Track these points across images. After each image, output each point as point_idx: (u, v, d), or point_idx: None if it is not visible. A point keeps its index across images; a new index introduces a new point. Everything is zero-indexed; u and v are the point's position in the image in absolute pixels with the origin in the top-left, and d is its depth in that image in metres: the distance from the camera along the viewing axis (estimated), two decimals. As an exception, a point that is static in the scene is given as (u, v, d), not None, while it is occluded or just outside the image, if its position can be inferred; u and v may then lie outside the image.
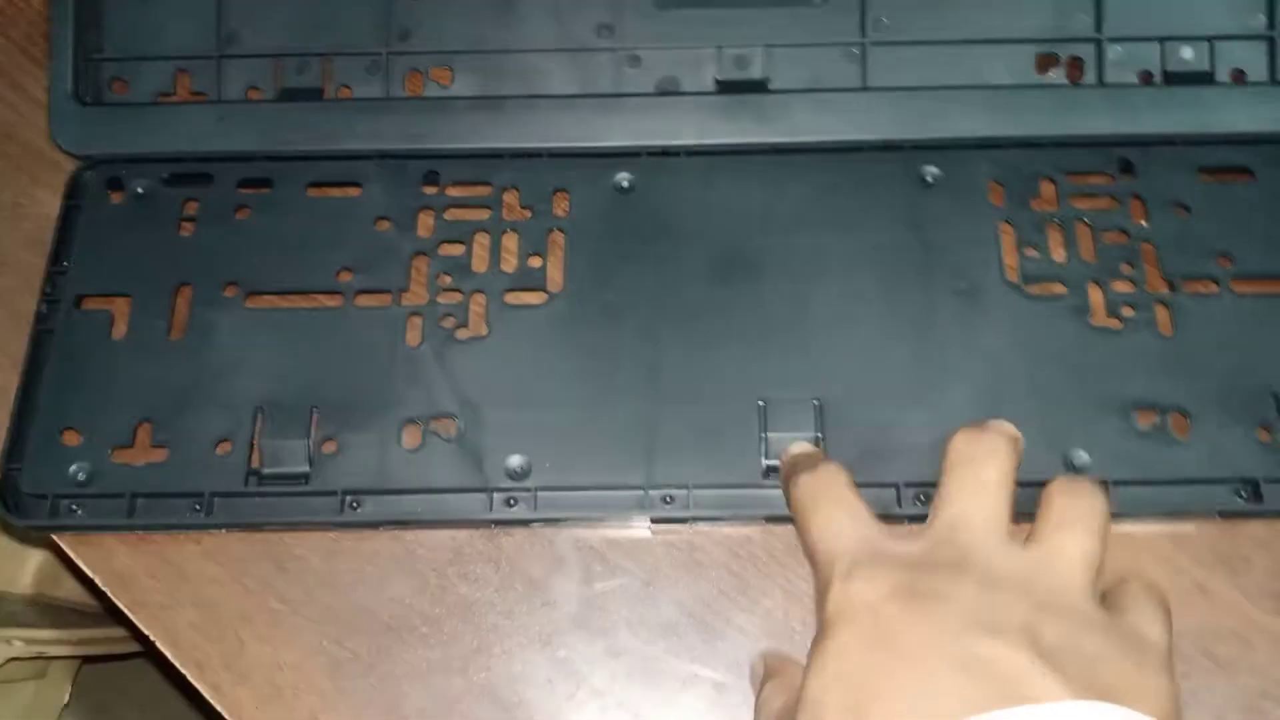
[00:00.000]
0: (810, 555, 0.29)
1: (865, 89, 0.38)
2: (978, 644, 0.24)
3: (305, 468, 0.34)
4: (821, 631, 0.26)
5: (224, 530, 0.34)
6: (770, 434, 0.33)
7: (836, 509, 0.29)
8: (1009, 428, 0.29)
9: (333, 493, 0.34)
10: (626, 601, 0.34)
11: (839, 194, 0.37)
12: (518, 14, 0.39)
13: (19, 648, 0.57)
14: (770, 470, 0.33)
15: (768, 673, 0.30)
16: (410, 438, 0.35)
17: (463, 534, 0.35)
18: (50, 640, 0.60)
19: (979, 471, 0.28)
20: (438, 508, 0.34)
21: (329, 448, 0.34)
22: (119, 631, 0.63)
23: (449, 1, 0.39)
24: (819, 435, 0.33)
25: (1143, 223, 0.36)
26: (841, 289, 0.36)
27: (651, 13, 0.39)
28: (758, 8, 0.39)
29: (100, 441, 0.35)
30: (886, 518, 0.29)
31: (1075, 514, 0.27)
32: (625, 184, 0.38)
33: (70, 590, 0.63)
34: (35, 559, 0.61)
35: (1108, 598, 0.27)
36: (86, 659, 0.67)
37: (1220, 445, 0.33)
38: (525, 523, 0.34)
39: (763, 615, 0.33)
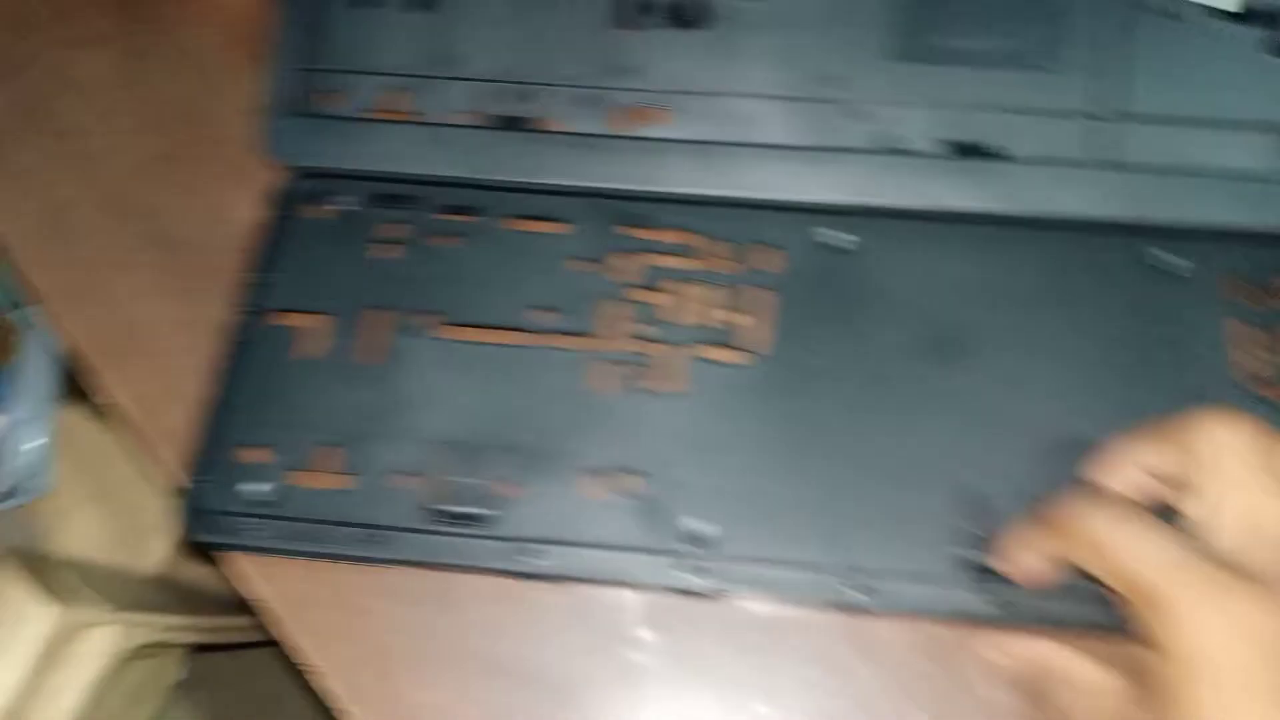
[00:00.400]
0: (1130, 583, 0.26)
1: (1101, 164, 0.35)
2: None
3: (484, 510, 0.33)
4: (1184, 661, 0.24)
5: (398, 565, 0.33)
6: (974, 527, 0.31)
7: (1147, 526, 0.26)
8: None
9: (510, 539, 0.33)
10: (803, 687, 0.32)
11: (1064, 273, 0.35)
12: (742, 57, 0.38)
13: (148, 633, 0.58)
14: (967, 564, 0.31)
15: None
16: (593, 489, 0.33)
17: (638, 597, 0.33)
18: (179, 627, 0.61)
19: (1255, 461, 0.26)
20: (615, 567, 0.32)
21: (510, 491, 0.33)
22: (243, 620, 0.64)
23: (672, 41, 0.38)
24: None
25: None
26: (1060, 375, 0.33)
27: (881, 66, 0.37)
28: (994, 69, 0.36)
29: (287, 463, 0.34)
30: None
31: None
32: (841, 244, 0.36)
33: (196, 570, 0.64)
34: (167, 539, 0.61)
35: None
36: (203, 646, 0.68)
37: None
38: (706, 593, 0.32)
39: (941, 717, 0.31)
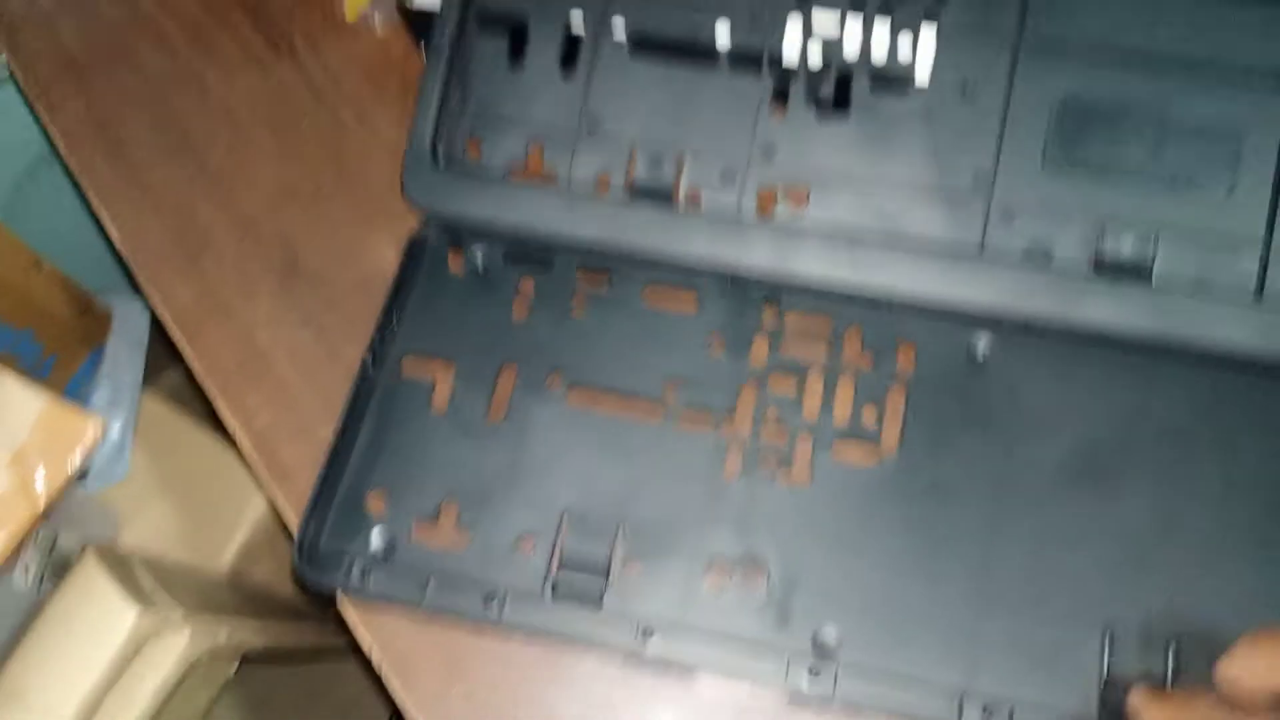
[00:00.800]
0: None
1: (1262, 297, 0.35)
2: None
3: (603, 584, 0.33)
4: None
5: (510, 629, 0.33)
6: (1113, 668, 0.30)
7: None
8: None
9: (627, 618, 0.32)
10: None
11: (1220, 410, 0.34)
12: (892, 146, 0.37)
13: (219, 638, 0.58)
14: (1104, 704, 0.30)
15: None
16: (715, 577, 0.33)
17: (753, 696, 0.33)
18: (253, 630, 0.61)
19: None
20: (733, 661, 0.32)
21: (631, 569, 0.33)
22: (310, 627, 0.64)
23: (819, 126, 0.38)
24: (1169, 677, 0.30)
25: None
26: (1213, 517, 0.32)
27: (1035, 170, 0.36)
28: (1155, 184, 0.36)
29: (404, 513, 0.34)
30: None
31: None
32: (980, 352, 0.35)
33: (266, 571, 0.64)
34: (239, 537, 0.62)
35: None
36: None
37: None
38: (825, 700, 0.32)
39: None
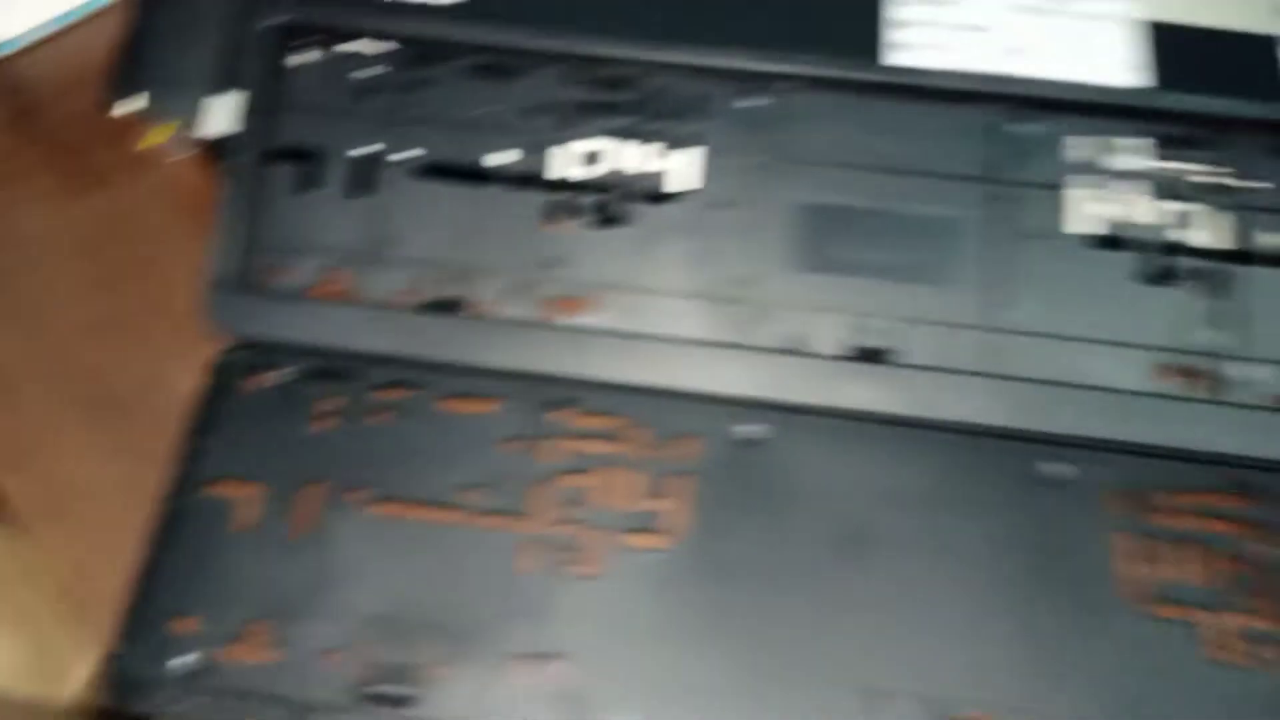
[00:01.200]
0: None
1: (988, 374, 0.39)
2: None
3: (411, 690, 0.35)
4: None
5: (322, 743, 0.35)
6: None
7: None
8: None
9: None
10: None
11: (958, 477, 0.38)
12: (662, 258, 0.41)
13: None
14: None
15: None
16: (515, 674, 0.35)
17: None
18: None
19: None
20: None
21: (438, 671, 0.35)
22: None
23: (597, 240, 0.41)
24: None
25: (1264, 549, 0.37)
26: (955, 580, 0.36)
27: (790, 273, 0.40)
28: (894, 281, 0.40)
29: (215, 634, 0.36)
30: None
31: None
32: (754, 436, 0.38)
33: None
34: (83, 664, 0.61)
35: None
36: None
37: None
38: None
39: None
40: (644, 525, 0.37)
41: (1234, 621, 0.36)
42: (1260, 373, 0.39)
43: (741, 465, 0.38)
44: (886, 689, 0.34)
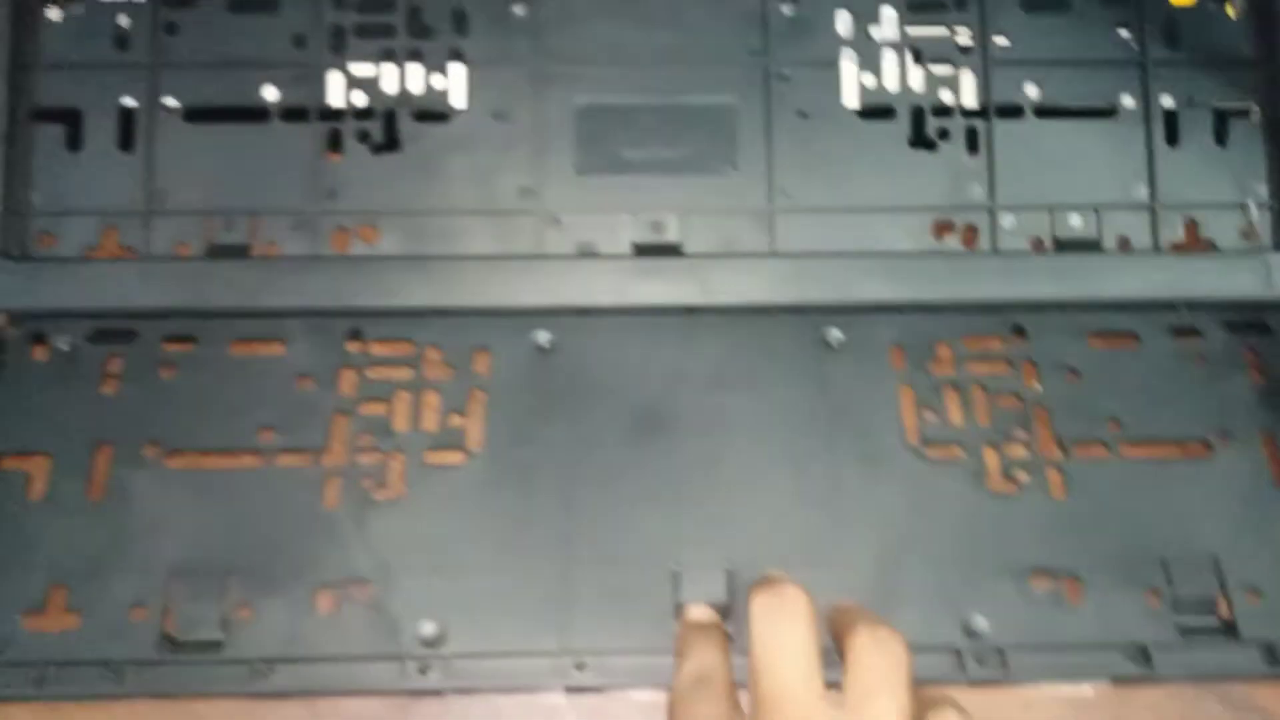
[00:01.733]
0: None
1: (772, 254, 0.40)
2: None
3: (218, 635, 0.34)
4: None
5: (134, 699, 0.34)
6: (683, 601, 0.34)
7: (703, 706, 0.29)
8: (797, 590, 0.28)
9: (245, 661, 0.34)
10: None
11: (748, 355, 0.38)
12: (442, 176, 0.40)
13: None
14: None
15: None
16: (325, 603, 0.35)
17: (377, 702, 0.35)
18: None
19: (788, 636, 0.27)
20: (350, 677, 0.34)
21: (243, 614, 0.35)
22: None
23: (374, 163, 0.40)
24: (728, 602, 0.34)
25: (1036, 386, 0.38)
26: (751, 451, 0.37)
27: (572, 178, 0.40)
28: (673, 174, 0.40)
29: (11, 607, 0.35)
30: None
31: (881, 675, 0.26)
32: (544, 344, 0.39)
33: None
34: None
35: None
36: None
37: (1111, 610, 0.34)
38: (437, 692, 0.34)
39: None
40: (444, 444, 0.37)
41: (1013, 453, 0.37)
42: (1020, 220, 0.40)
43: (533, 373, 0.38)
44: (692, 562, 0.35)
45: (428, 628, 0.34)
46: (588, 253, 0.40)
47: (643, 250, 0.40)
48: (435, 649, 0.34)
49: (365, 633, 0.34)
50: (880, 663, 0.26)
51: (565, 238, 0.40)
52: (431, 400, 0.38)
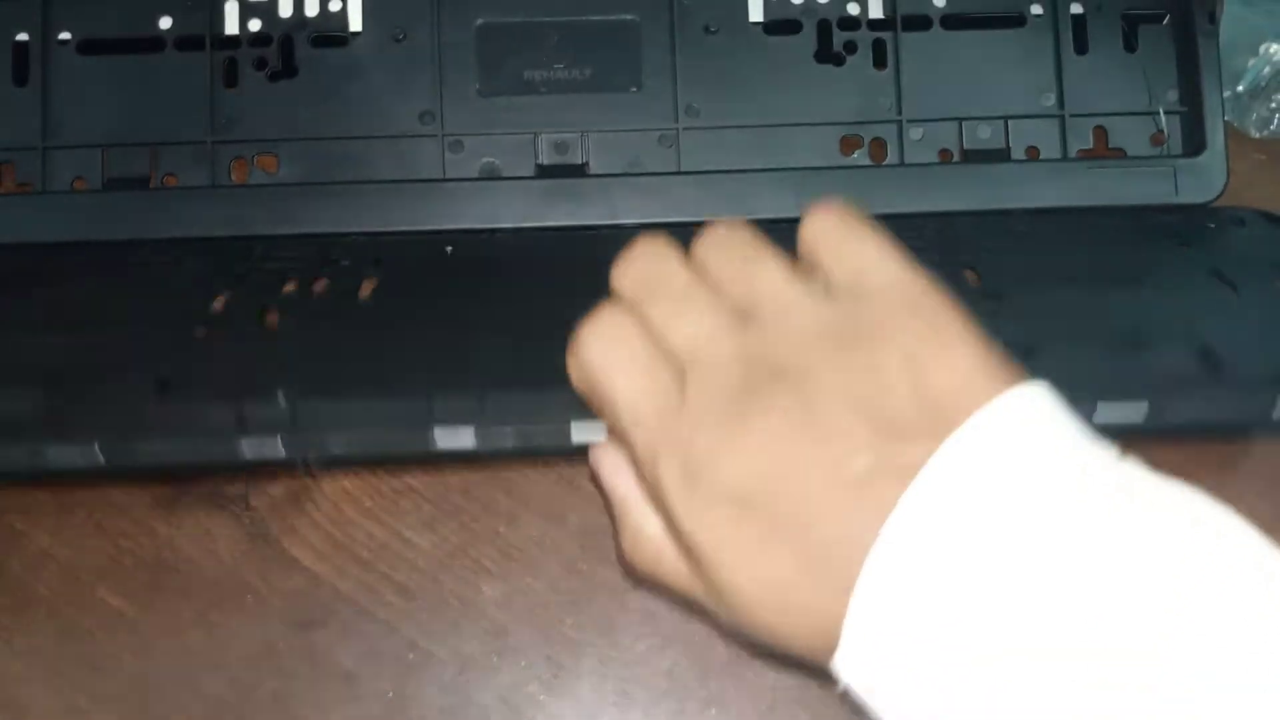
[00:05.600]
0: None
1: (679, 173, 0.39)
2: None
3: None
4: None
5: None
6: None
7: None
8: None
9: None
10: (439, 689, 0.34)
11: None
12: (341, 101, 0.40)
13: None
14: None
15: None
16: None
17: (274, 628, 0.35)
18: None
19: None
20: None
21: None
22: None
23: (272, 90, 0.40)
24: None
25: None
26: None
27: (474, 100, 0.40)
28: (576, 94, 0.40)
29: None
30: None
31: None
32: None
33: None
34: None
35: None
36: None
37: None
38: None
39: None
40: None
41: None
42: (928, 132, 0.40)
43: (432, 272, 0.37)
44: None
45: None
46: (491, 176, 0.39)
47: (547, 171, 0.39)
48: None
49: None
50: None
51: (468, 161, 0.40)
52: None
